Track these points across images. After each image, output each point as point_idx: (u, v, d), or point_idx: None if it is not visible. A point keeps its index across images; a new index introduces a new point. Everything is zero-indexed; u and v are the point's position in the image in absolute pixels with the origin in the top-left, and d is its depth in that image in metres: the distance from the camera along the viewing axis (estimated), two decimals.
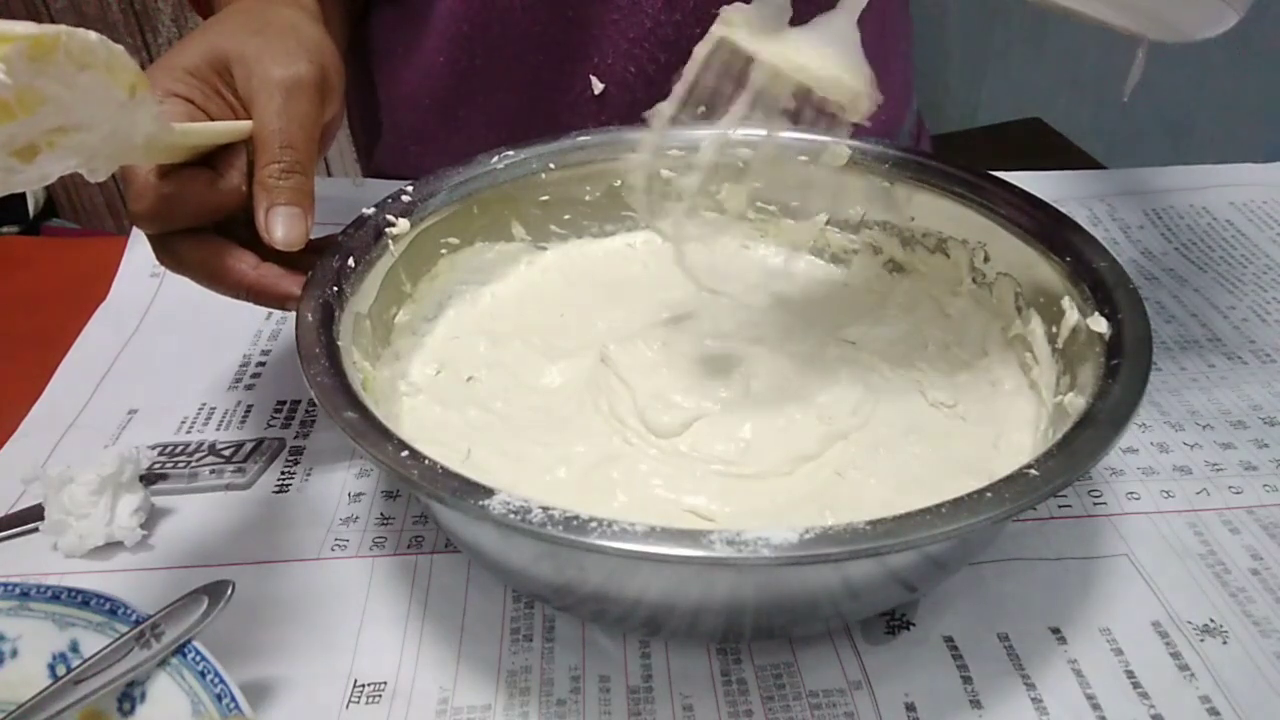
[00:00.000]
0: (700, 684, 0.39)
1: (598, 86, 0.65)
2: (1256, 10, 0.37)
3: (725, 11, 0.39)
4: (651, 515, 0.34)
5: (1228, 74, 1.28)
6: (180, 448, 0.50)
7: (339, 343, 0.40)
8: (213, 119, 0.43)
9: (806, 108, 0.38)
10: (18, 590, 0.37)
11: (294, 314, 0.41)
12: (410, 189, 0.49)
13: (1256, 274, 0.64)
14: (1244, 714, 0.37)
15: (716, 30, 0.39)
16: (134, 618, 0.36)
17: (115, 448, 0.49)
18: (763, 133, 0.46)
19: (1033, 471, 0.33)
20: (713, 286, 0.48)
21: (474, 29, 0.65)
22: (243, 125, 0.42)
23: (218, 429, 0.52)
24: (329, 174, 1.57)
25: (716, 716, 0.38)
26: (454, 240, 0.51)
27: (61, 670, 0.35)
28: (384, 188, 0.49)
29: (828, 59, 0.37)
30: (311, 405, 0.53)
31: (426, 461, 0.33)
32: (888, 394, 0.46)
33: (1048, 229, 0.46)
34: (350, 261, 0.44)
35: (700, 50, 0.39)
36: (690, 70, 0.40)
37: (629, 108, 0.66)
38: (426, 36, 0.67)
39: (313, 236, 0.43)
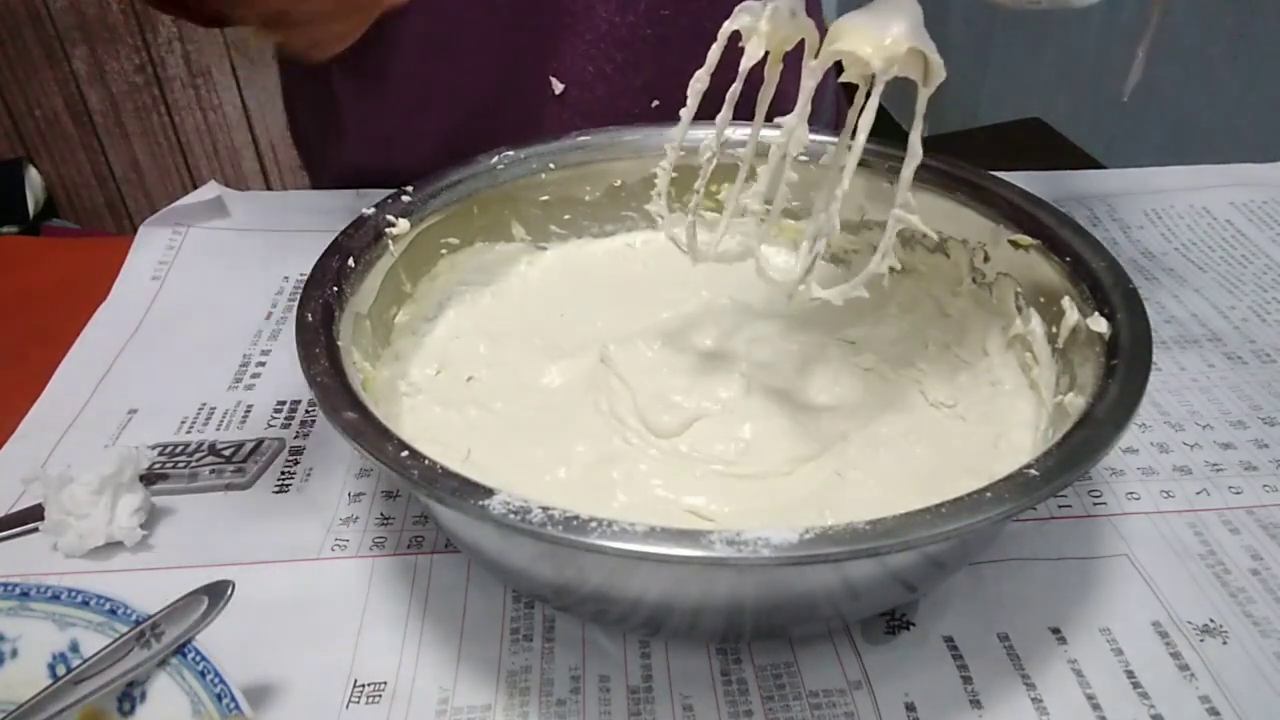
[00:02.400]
0: (700, 684, 0.39)
1: (558, 87, 0.67)
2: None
3: (741, 11, 0.39)
4: (651, 515, 0.34)
5: (1228, 74, 1.28)
6: (180, 448, 0.50)
7: (339, 343, 0.40)
8: None
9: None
10: (18, 590, 0.37)
11: (294, 314, 0.41)
12: (410, 189, 0.49)
13: (1256, 274, 0.64)
14: (1244, 714, 0.37)
15: (731, 26, 0.39)
16: (134, 618, 0.36)
17: (115, 448, 0.50)
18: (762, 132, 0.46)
19: (1033, 471, 0.33)
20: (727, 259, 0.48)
21: (435, 47, 0.66)
22: None
23: (218, 429, 0.52)
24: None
25: (716, 716, 0.38)
26: (454, 240, 0.51)
27: (61, 670, 0.35)
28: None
29: (905, 38, 0.37)
30: (311, 405, 0.53)
31: (426, 461, 0.33)
32: (888, 394, 0.46)
33: (1048, 229, 0.46)
34: (350, 261, 0.44)
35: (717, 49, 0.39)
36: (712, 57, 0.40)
37: (589, 105, 0.68)
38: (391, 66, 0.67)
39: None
